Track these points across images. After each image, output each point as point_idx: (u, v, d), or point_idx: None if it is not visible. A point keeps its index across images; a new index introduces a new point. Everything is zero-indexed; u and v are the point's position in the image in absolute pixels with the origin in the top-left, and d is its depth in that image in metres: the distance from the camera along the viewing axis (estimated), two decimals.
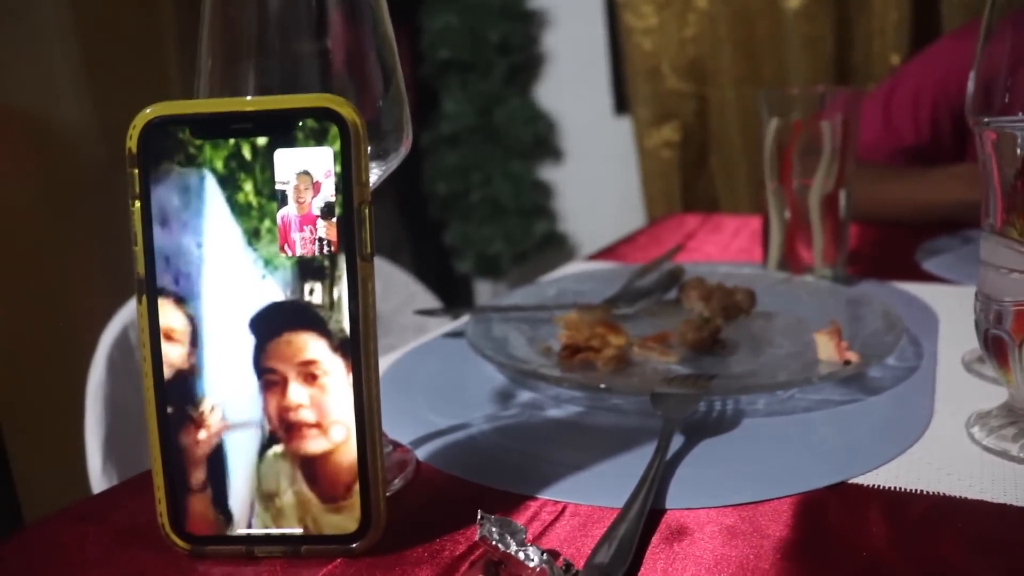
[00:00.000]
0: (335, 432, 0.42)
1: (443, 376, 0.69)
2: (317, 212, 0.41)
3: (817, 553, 0.42)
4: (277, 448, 0.43)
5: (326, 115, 0.40)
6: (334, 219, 0.41)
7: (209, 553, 0.44)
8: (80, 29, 1.78)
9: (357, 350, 0.41)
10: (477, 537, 0.38)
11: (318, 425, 0.42)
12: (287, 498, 0.43)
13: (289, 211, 0.41)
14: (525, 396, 0.64)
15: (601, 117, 2.72)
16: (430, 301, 1.30)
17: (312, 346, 0.42)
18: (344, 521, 0.42)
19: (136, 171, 0.42)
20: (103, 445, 0.97)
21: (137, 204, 0.42)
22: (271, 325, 0.42)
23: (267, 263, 0.42)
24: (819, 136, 0.88)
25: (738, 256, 1.13)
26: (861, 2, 2.11)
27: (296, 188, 0.41)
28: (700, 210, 2.23)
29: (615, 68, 2.64)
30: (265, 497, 0.43)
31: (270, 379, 0.42)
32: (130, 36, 1.88)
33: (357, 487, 0.42)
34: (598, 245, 1.28)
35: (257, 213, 0.41)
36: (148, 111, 0.42)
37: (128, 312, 1.09)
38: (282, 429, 0.43)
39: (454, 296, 2.84)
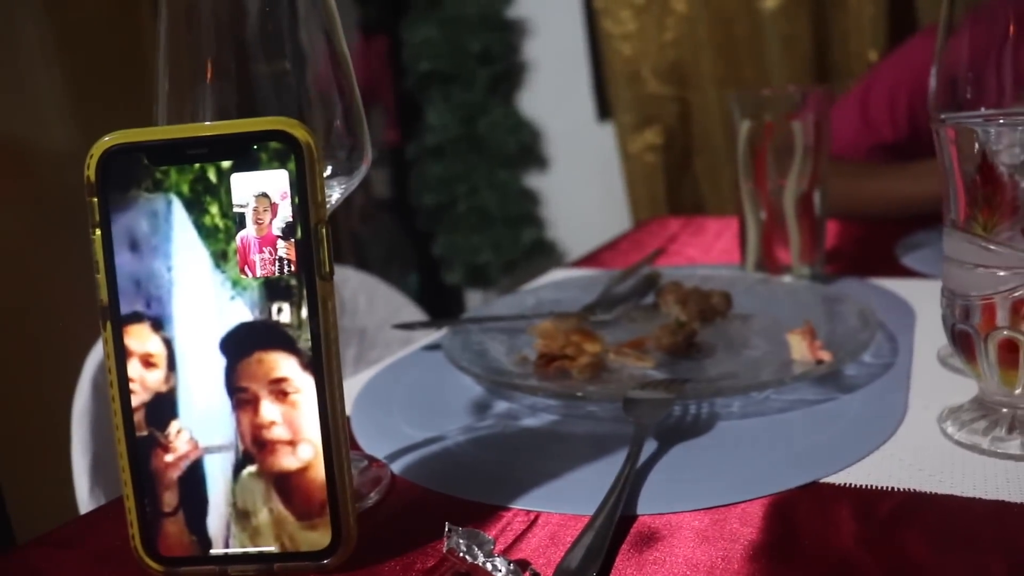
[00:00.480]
0: (303, 450, 0.42)
1: (421, 389, 0.69)
2: (277, 233, 0.41)
3: (787, 554, 0.42)
4: (251, 467, 0.43)
5: (280, 137, 0.40)
6: (292, 240, 0.41)
7: (183, 574, 0.44)
8: (64, 54, 1.79)
9: (320, 369, 0.41)
10: (444, 549, 0.39)
11: (291, 443, 0.42)
12: (262, 516, 0.43)
13: (248, 233, 0.41)
14: (502, 407, 0.64)
15: (584, 124, 2.73)
16: (415, 314, 1.30)
17: (282, 364, 0.42)
18: (319, 538, 0.43)
19: (95, 200, 0.42)
20: (90, 469, 0.97)
21: (98, 232, 0.42)
22: (241, 345, 0.42)
23: (235, 284, 0.42)
24: (791, 136, 0.89)
25: (720, 258, 1.13)
26: None
27: (255, 210, 0.41)
28: (686, 213, 2.24)
29: (596, 74, 2.65)
30: (240, 516, 0.43)
31: (242, 398, 0.43)
32: (114, 61, 1.88)
33: (327, 503, 0.42)
34: (586, 251, 1.28)
35: (223, 235, 0.42)
36: (106, 139, 0.42)
37: None
38: (255, 448, 0.43)
39: (445, 307, 2.84)
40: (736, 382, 0.63)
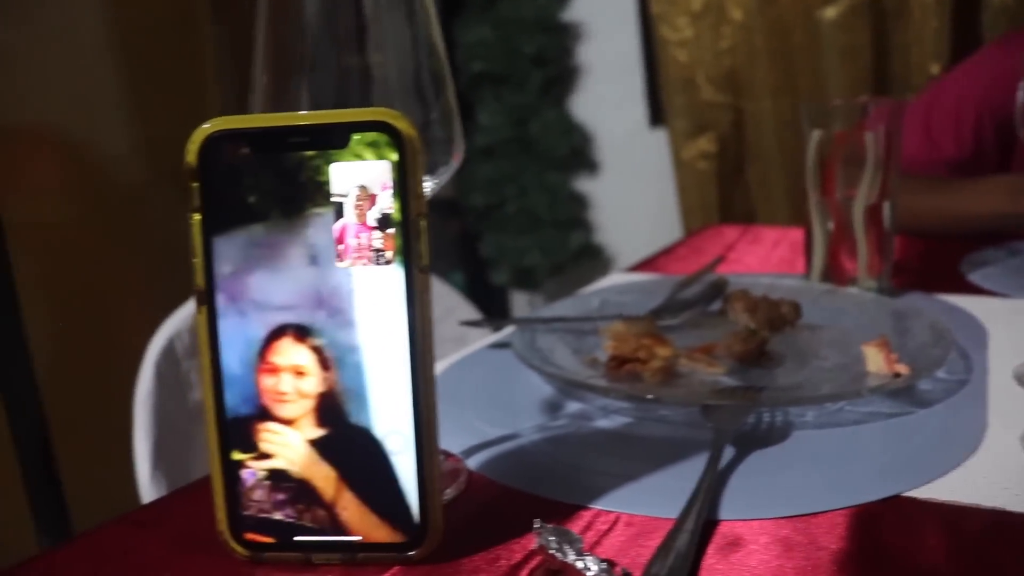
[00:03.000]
0: (392, 441, 0.42)
1: (490, 387, 0.69)
2: (373, 223, 0.41)
3: (874, 567, 0.42)
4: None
5: (383, 129, 0.40)
6: (390, 231, 0.41)
7: (267, 559, 0.44)
8: (119, 47, 1.81)
9: (415, 360, 0.41)
10: (535, 546, 0.38)
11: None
12: (348, 505, 0.43)
13: (346, 222, 0.41)
14: (573, 407, 0.64)
15: (636, 129, 2.72)
16: (471, 313, 1.31)
17: None
18: (404, 529, 0.43)
19: (196, 184, 0.42)
20: (151, 454, 0.99)
21: (196, 217, 0.43)
22: (329, 335, 0.43)
23: (332, 274, 0.42)
24: (862, 147, 0.88)
25: (779, 268, 1.12)
26: (899, 11, 2.09)
27: (352, 200, 0.41)
28: (736, 222, 2.22)
29: (650, 80, 2.64)
30: (326, 504, 0.43)
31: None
32: (169, 53, 1.91)
33: (416, 495, 0.42)
34: (634, 257, 1.28)
35: (321, 225, 0.42)
36: (207, 126, 0.42)
37: (174, 324, 1.10)
38: None
39: (491, 308, 2.85)
40: (814, 392, 0.62)
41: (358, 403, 0.42)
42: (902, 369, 0.62)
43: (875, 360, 0.64)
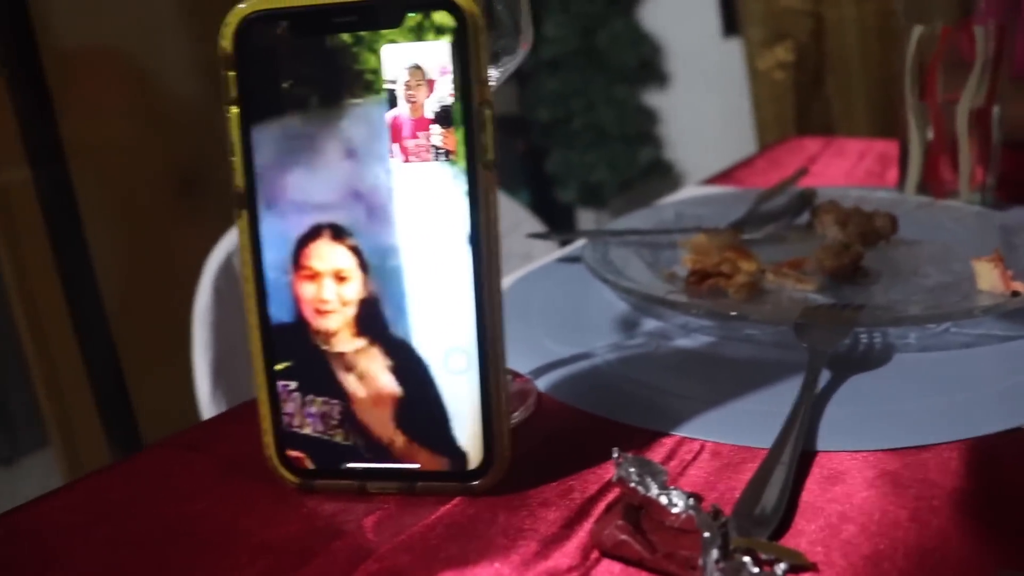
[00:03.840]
0: (454, 359, 0.38)
1: (559, 303, 0.64)
2: (431, 116, 0.36)
3: (997, 508, 0.37)
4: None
5: (441, 5, 0.35)
6: (450, 125, 0.36)
7: (318, 487, 0.41)
8: None
9: (479, 268, 0.37)
10: (614, 479, 0.34)
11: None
12: (402, 430, 0.39)
13: (400, 112, 0.36)
14: (649, 325, 0.59)
15: (709, 39, 2.60)
16: (537, 227, 1.26)
17: None
18: (468, 456, 0.39)
19: (232, 73, 0.38)
20: (211, 371, 0.97)
21: (234, 110, 0.38)
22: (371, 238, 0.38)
23: (376, 171, 0.37)
24: (968, 45, 0.80)
25: (866, 181, 1.05)
26: None
27: (407, 85, 0.36)
28: (814, 135, 2.13)
29: None
30: (379, 429, 0.39)
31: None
32: None
33: (479, 419, 0.38)
34: (705, 173, 1.21)
35: (364, 116, 0.37)
36: (243, 6, 0.38)
37: (232, 239, 1.08)
38: None
39: (557, 226, 2.79)
40: (915, 311, 0.56)
41: (407, 315, 0.38)
42: (1020, 287, 0.56)
43: (988, 277, 0.58)
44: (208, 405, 0.96)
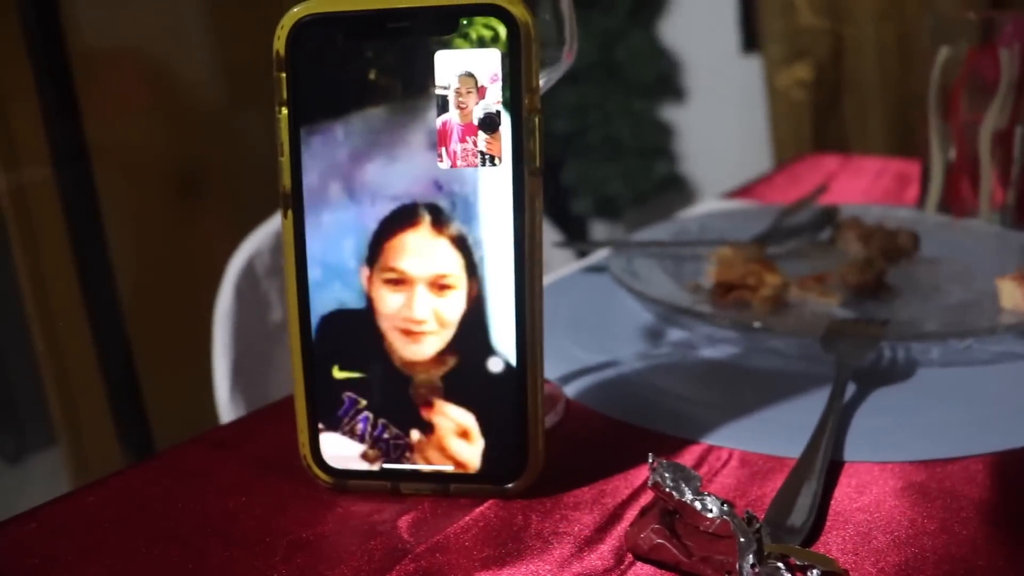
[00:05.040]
0: (492, 362, 0.38)
1: (584, 312, 0.65)
2: (479, 122, 0.37)
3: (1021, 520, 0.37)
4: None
5: (494, 13, 0.36)
6: (497, 131, 0.37)
7: (351, 487, 0.41)
8: None
9: (522, 274, 0.37)
10: (649, 483, 0.35)
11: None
12: (439, 433, 0.40)
13: (450, 118, 0.37)
14: (673, 335, 0.60)
15: (728, 55, 2.61)
16: (554, 237, 1.26)
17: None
18: (501, 459, 0.39)
19: (284, 75, 0.39)
20: (231, 374, 0.97)
21: (284, 111, 0.39)
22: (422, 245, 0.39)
23: (425, 175, 0.38)
24: (993, 67, 0.80)
25: (883, 199, 1.06)
26: None
27: (458, 92, 0.37)
28: (830, 152, 2.13)
29: (744, 4, 2.52)
30: (415, 431, 0.40)
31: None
32: None
33: (515, 423, 0.39)
34: (720, 188, 1.22)
35: (414, 122, 0.38)
36: (297, 10, 0.38)
37: (253, 243, 1.08)
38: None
39: (571, 237, 2.79)
40: (946, 327, 0.57)
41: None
42: None
43: (1011, 295, 0.59)
44: (227, 406, 0.97)
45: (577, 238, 2.69)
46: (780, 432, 0.45)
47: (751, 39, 2.50)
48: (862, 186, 1.15)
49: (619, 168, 2.64)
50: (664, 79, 2.69)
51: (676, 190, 2.76)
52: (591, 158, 2.69)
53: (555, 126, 2.74)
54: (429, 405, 0.40)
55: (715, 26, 2.61)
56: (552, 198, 2.79)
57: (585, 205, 2.76)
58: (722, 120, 2.67)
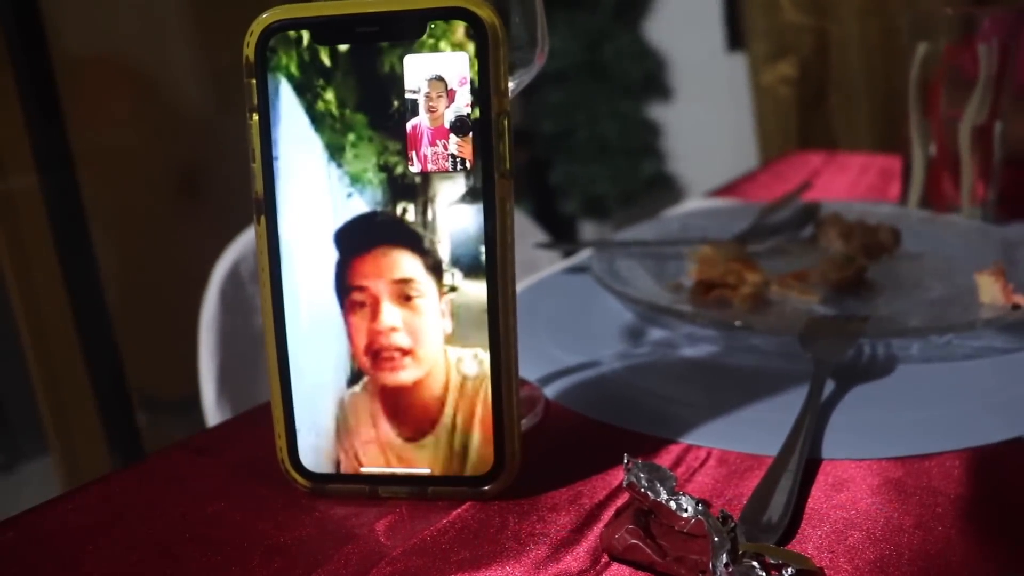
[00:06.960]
0: (466, 364, 0.38)
1: (565, 312, 0.65)
2: (449, 126, 0.37)
3: (998, 514, 0.37)
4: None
5: (461, 16, 0.36)
6: (468, 134, 0.37)
7: (329, 491, 0.41)
8: None
9: (493, 276, 0.37)
10: (624, 484, 0.35)
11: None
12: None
13: (420, 122, 0.37)
14: (654, 335, 0.60)
15: (713, 53, 2.62)
16: (541, 237, 1.26)
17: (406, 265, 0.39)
18: (478, 461, 0.39)
19: (253, 81, 0.39)
20: (216, 377, 0.97)
21: (255, 117, 0.39)
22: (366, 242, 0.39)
23: (403, 177, 0.38)
24: (972, 62, 0.81)
25: (868, 196, 1.06)
26: None
27: (428, 96, 0.37)
28: (816, 149, 2.13)
29: (728, 2, 2.53)
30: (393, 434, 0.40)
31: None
32: None
33: (491, 425, 0.39)
34: (707, 186, 1.22)
35: (394, 123, 0.38)
36: (265, 16, 0.38)
37: (238, 247, 1.08)
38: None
39: (559, 237, 2.79)
40: (917, 323, 0.57)
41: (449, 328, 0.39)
42: (1021, 300, 0.57)
43: (989, 290, 0.59)
44: (213, 411, 0.96)
45: (566, 238, 2.69)
46: (759, 431, 0.45)
47: (736, 37, 2.51)
48: (846, 182, 1.15)
49: (607, 168, 2.65)
50: (650, 78, 2.70)
51: (664, 189, 2.77)
52: (578, 158, 2.70)
53: (542, 127, 2.74)
54: (405, 408, 0.40)
55: (700, 25, 2.62)
56: (540, 198, 2.80)
57: (573, 205, 2.77)
58: (709, 118, 2.68)
